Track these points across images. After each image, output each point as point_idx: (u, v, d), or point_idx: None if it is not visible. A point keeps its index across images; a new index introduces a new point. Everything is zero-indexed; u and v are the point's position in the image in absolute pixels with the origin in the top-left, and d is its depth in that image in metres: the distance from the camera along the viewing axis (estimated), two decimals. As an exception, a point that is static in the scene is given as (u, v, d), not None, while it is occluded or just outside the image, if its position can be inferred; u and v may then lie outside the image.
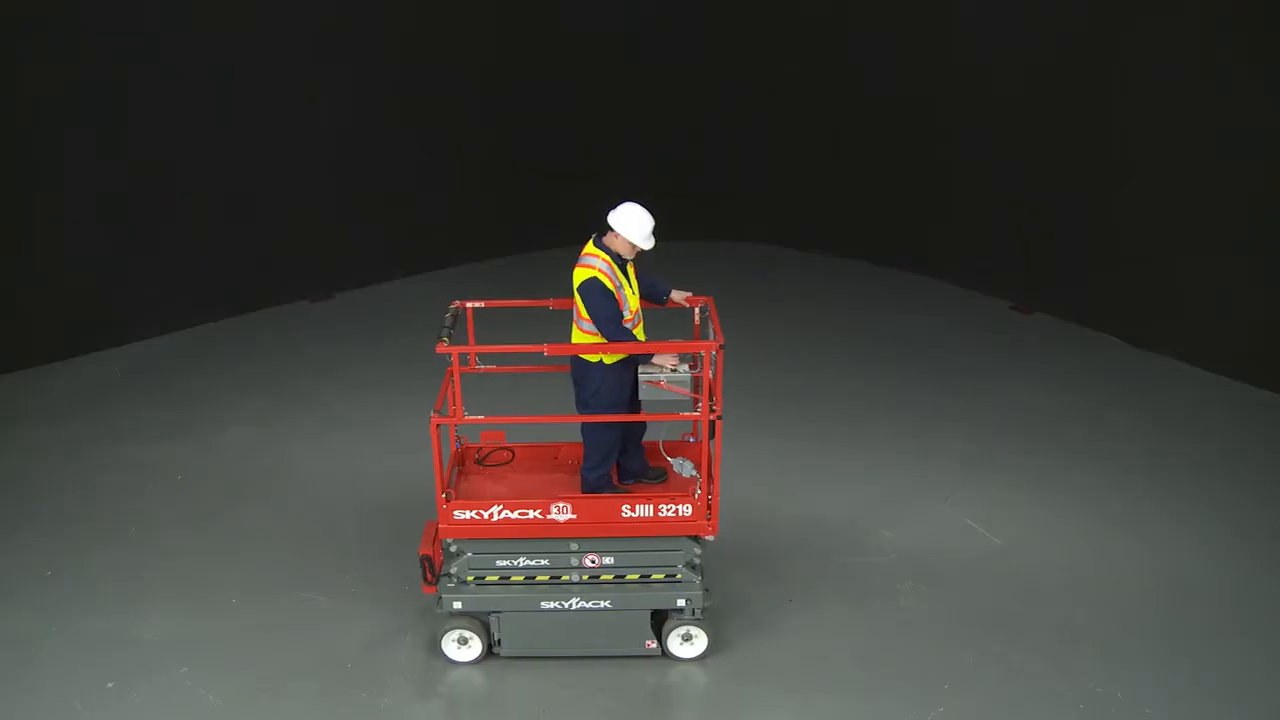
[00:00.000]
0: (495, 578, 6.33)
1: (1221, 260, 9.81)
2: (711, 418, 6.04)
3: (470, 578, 6.31)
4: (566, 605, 6.27)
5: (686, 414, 6.21)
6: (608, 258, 6.11)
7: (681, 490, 6.46)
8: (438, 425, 6.02)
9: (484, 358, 6.67)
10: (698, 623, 6.35)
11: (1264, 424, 9.20)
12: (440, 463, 6.10)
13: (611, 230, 6.12)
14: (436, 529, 6.36)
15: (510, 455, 6.90)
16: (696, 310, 6.67)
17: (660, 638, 6.39)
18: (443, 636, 6.36)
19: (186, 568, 7.35)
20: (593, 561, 6.28)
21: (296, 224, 11.66)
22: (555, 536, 6.22)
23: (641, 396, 6.13)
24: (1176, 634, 6.68)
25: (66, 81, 9.99)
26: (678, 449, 6.77)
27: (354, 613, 6.89)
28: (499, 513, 6.16)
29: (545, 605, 6.28)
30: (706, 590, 6.33)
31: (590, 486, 6.44)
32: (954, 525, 7.83)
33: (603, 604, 6.28)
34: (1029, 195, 11.26)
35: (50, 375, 10.18)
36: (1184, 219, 10.03)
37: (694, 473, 6.48)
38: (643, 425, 6.60)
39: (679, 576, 6.31)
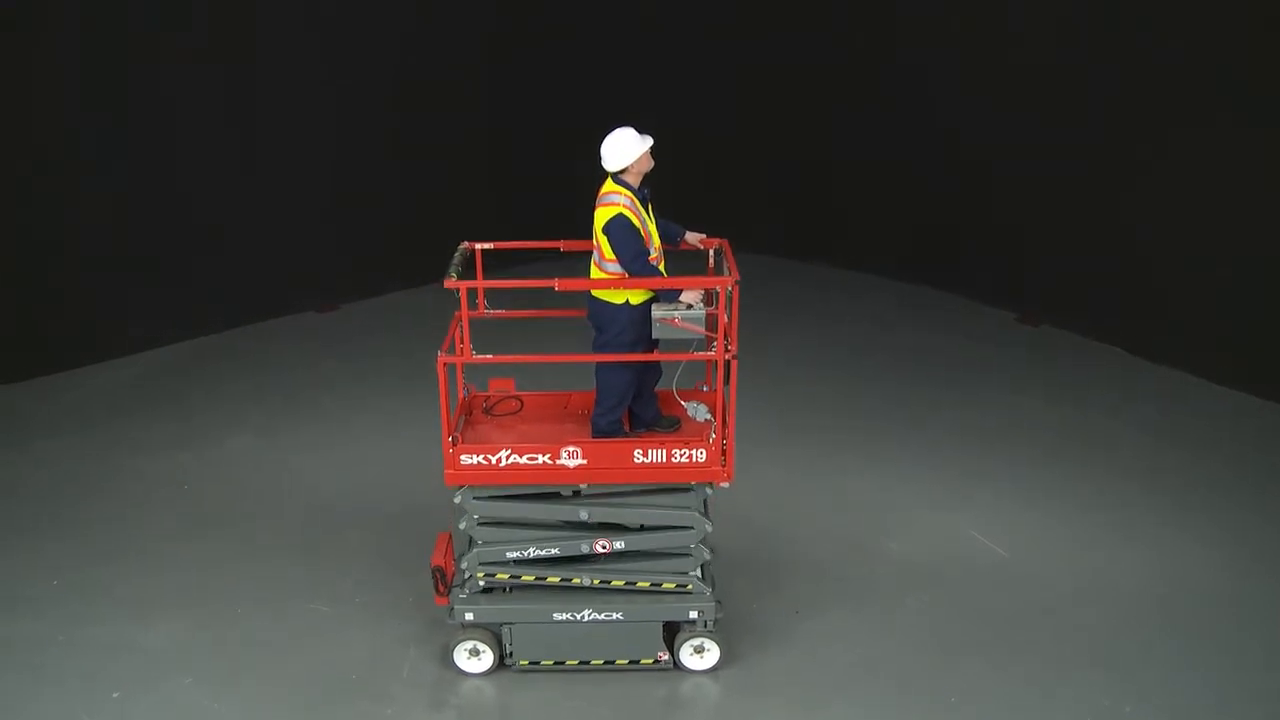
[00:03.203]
0: (505, 575, 6.24)
1: (1228, 273, 9.84)
2: (727, 357, 5.84)
3: (480, 574, 6.23)
4: (579, 617, 6.23)
5: (701, 354, 6.00)
6: (629, 193, 5.98)
7: (696, 435, 6.18)
8: (445, 364, 5.79)
9: (493, 303, 6.47)
10: (710, 635, 6.33)
11: (1270, 436, 9.22)
12: (447, 405, 5.87)
13: (622, 169, 5.99)
14: (449, 540, 6.33)
15: (519, 404, 6.68)
16: (711, 252, 6.48)
17: (672, 650, 6.36)
18: (454, 648, 6.33)
19: (192, 577, 7.32)
20: (603, 547, 6.15)
21: (301, 235, 11.63)
22: (564, 482, 6.03)
23: (655, 335, 5.94)
24: (1184, 646, 6.68)
25: (75, 92, 9.98)
26: (692, 395, 6.56)
27: (360, 623, 6.85)
28: (507, 457, 5.95)
29: (558, 617, 6.24)
30: (718, 602, 6.31)
31: (601, 432, 6.25)
32: (959, 536, 7.82)
33: (615, 615, 6.24)
34: (1035, 206, 11.27)
35: (57, 385, 10.13)
36: (1190, 231, 10.06)
37: (708, 416, 6.31)
38: (657, 372, 6.41)
39: (689, 587, 6.28)
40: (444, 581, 6.30)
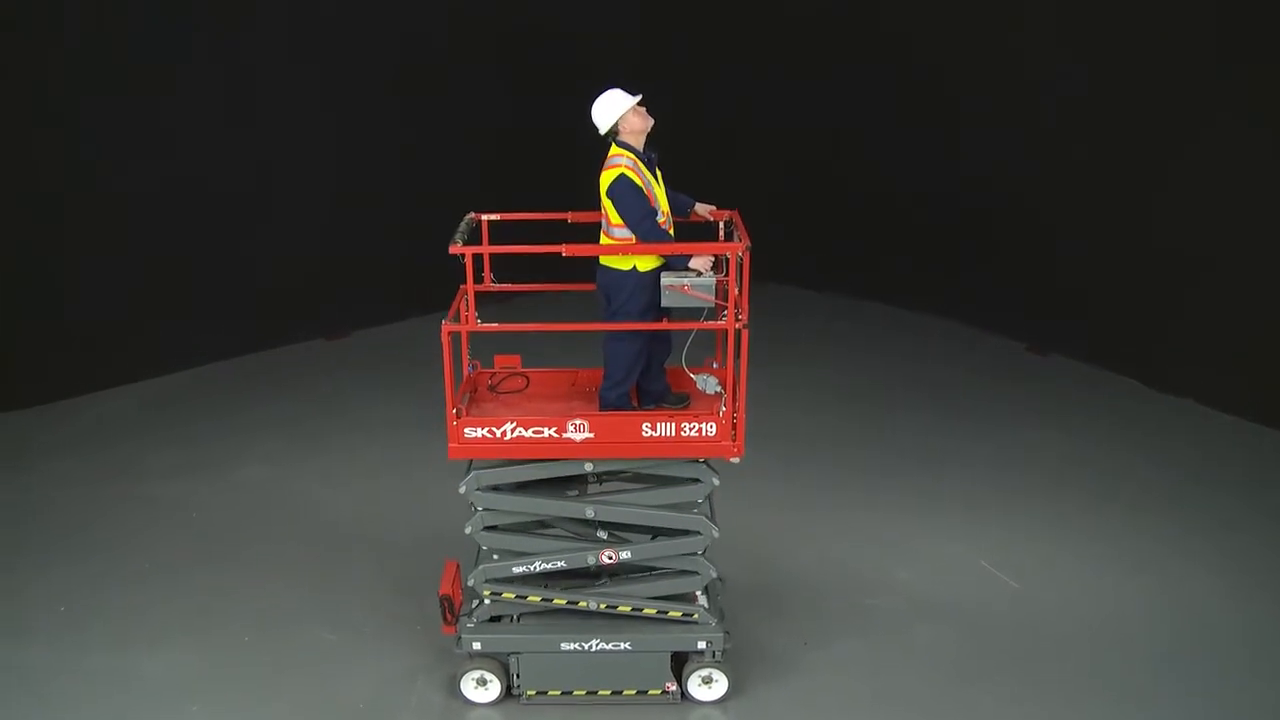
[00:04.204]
0: (511, 594, 6.21)
1: (1240, 302, 9.82)
2: (737, 327, 5.71)
3: (486, 591, 6.19)
4: (587, 647, 6.20)
5: (711, 323, 5.86)
6: (631, 154, 5.91)
7: (706, 409, 6.02)
8: (449, 333, 5.67)
9: (499, 276, 6.32)
10: (718, 665, 6.29)
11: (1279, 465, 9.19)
12: (451, 376, 5.72)
13: (614, 131, 5.94)
14: (457, 569, 6.31)
15: (525, 382, 6.50)
16: (721, 224, 6.33)
17: (680, 680, 6.32)
18: (462, 677, 6.30)
19: (199, 605, 7.31)
20: (609, 557, 6.08)
21: (312, 261, 11.68)
22: (571, 456, 5.88)
23: (664, 303, 5.79)
24: (1195, 678, 6.62)
25: (78, 118, 10.07)
26: (702, 370, 6.38)
27: (367, 651, 6.83)
28: (512, 430, 5.79)
29: (566, 646, 6.21)
30: (727, 633, 6.28)
31: (609, 406, 6.12)
32: (969, 567, 7.79)
33: (623, 645, 6.21)
34: (1045, 236, 11.28)
35: (67, 411, 10.17)
36: (1201, 260, 10.05)
37: (719, 389, 6.14)
38: (666, 346, 6.25)
39: (695, 616, 6.25)
40: (452, 611, 6.27)
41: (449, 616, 6.28)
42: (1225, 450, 9.45)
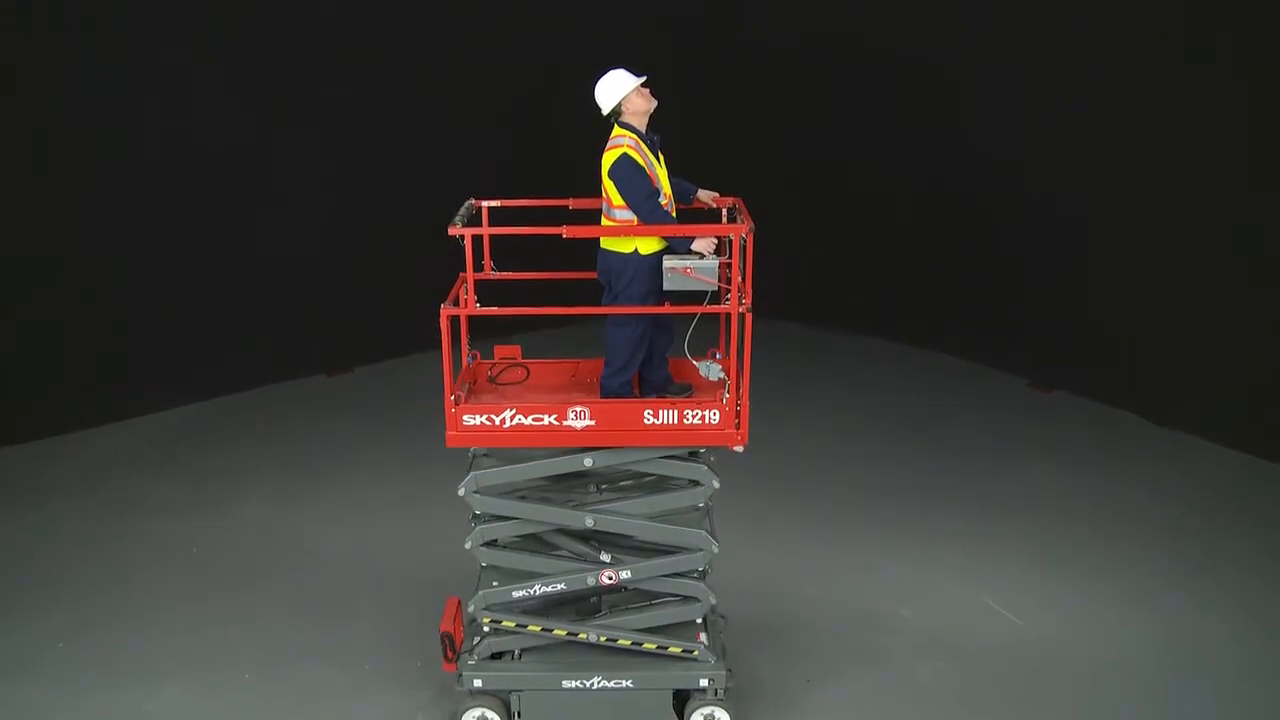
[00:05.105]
0: (511, 623, 6.16)
1: (1244, 337, 9.82)
2: (741, 310, 5.63)
3: (486, 620, 6.15)
4: (588, 685, 6.16)
5: (714, 307, 5.77)
6: (634, 135, 5.88)
7: (709, 397, 5.90)
8: (448, 316, 5.60)
9: (499, 264, 6.26)
10: (720, 703, 6.25)
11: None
12: (450, 361, 5.63)
13: (617, 111, 5.91)
14: (458, 606, 6.29)
15: (525, 373, 6.42)
16: (725, 211, 6.25)
17: (682, 718, 6.28)
18: (463, 715, 6.26)
19: (200, 642, 7.28)
20: (609, 578, 6.03)
21: (315, 297, 11.71)
22: (572, 444, 5.79)
23: (667, 287, 5.70)
24: (1196, 715, 6.60)
25: (86, 151, 10.14)
26: (705, 358, 6.23)
27: (368, 689, 6.80)
28: (511, 417, 5.70)
29: (567, 684, 6.17)
30: (729, 670, 6.25)
31: (610, 393, 6.01)
32: (972, 604, 7.76)
33: (625, 683, 6.18)
34: (1048, 272, 11.30)
35: (68, 446, 10.17)
36: (1205, 295, 10.07)
37: (722, 375, 5.99)
38: (669, 335, 6.18)
39: (695, 653, 6.21)
40: (453, 648, 6.25)
41: (450, 654, 6.26)
42: (1229, 486, 9.43)
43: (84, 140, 10.14)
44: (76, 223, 10.26)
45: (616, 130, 5.96)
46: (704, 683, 6.20)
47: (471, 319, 5.99)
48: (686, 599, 6.20)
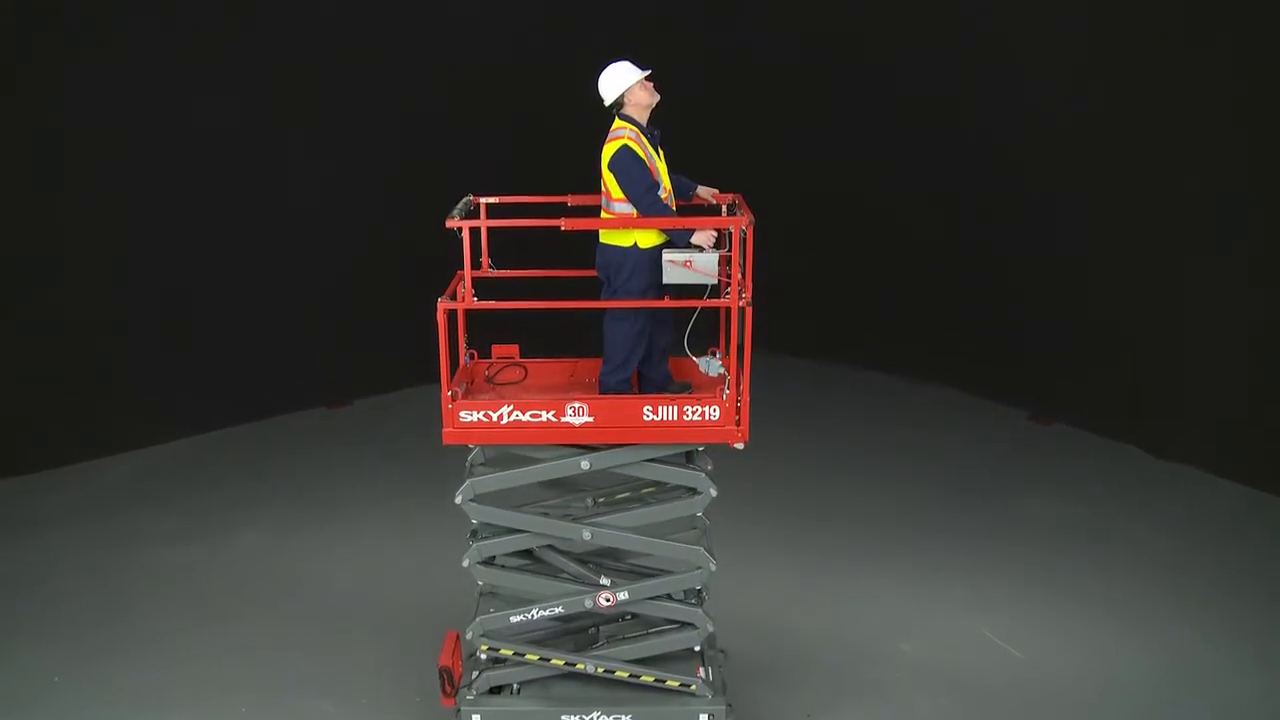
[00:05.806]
0: (509, 651, 6.13)
1: (1243, 369, 9.83)
2: (741, 304, 5.58)
3: (484, 648, 6.12)
4: (587, 719, 6.13)
5: (714, 301, 5.75)
6: (635, 128, 5.86)
7: (709, 393, 5.83)
8: (445, 310, 5.54)
9: (497, 262, 6.19)
10: (720, 739, 6.22)
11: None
12: (447, 357, 5.57)
13: (619, 103, 5.89)
14: (457, 640, 6.26)
15: (523, 373, 6.37)
16: (725, 207, 6.18)
17: (682, 755, 6.24)
18: (461, 749, 6.23)
19: (197, 674, 7.25)
20: (607, 600, 5.97)
21: (314, 329, 11.73)
22: (570, 441, 5.73)
23: (666, 280, 5.66)
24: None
25: (77, 189, 10.18)
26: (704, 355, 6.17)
27: (365, 723, 6.77)
28: (509, 414, 5.63)
29: (566, 719, 6.13)
30: (729, 705, 6.21)
31: (609, 390, 5.97)
32: (972, 637, 7.73)
33: (624, 718, 6.13)
34: (1045, 305, 11.32)
35: (67, 478, 10.18)
36: (1205, 329, 10.09)
37: (722, 370, 5.92)
38: (668, 331, 6.13)
39: (693, 688, 6.17)
40: (451, 682, 6.21)
41: (448, 688, 6.22)
42: (1228, 518, 9.42)
43: (84, 172, 10.18)
44: (71, 253, 10.28)
45: (617, 122, 5.96)
46: (704, 717, 6.15)
47: (471, 319, 5.96)
48: (684, 626, 6.17)
